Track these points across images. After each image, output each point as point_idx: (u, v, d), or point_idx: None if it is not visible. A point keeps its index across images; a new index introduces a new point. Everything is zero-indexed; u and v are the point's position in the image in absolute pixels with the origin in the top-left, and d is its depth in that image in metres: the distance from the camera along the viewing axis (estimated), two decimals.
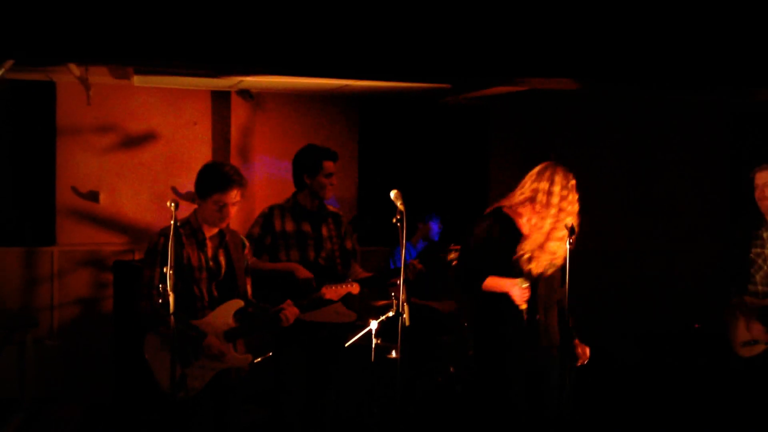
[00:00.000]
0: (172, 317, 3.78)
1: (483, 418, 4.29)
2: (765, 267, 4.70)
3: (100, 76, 6.21)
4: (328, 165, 4.85)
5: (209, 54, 4.88)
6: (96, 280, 6.84)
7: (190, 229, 4.20)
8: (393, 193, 3.86)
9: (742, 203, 4.94)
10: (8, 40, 4.53)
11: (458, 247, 4.70)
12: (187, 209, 4.27)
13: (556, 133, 7.79)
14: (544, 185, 4.07)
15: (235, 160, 7.03)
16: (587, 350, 4.26)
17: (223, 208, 4.12)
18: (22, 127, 6.69)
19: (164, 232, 4.10)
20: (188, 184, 4.38)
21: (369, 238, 7.06)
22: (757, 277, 4.72)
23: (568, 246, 3.92)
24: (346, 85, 6.55)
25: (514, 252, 4.11)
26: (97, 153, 6.83)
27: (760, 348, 4.68)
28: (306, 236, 4.85)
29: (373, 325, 4.67)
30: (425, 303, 6.20)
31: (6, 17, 4.45)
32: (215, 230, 4.24)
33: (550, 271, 4.13)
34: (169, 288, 3.76)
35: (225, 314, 4.18)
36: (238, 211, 4.29)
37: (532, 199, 4.11)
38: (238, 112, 7.21)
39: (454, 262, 4.76)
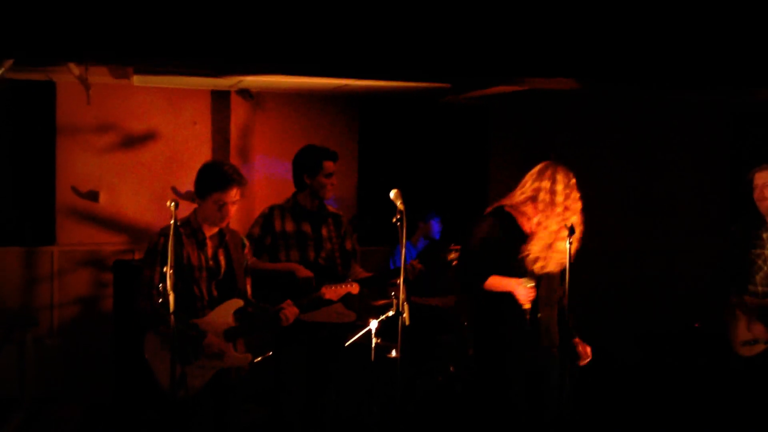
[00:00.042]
0: (172, 317, 3.78)
1: (483, 418, 4.29)
2: (765, 267, 4.70)
3: (99, 76, 6.21)
4: (328, 165, 4.85)
5: (209, 53, 4.88)
6: (96, 279, 6.84)
7: (190, 229, 4.20)
8: (393, 193, 3.86)
9: (742, 203, 4.93)
10: (8, 40, 4.52)
11: (459, 246, 4.70)
12: (187, 209, 4.27)
13: (555, 132, 7.79)
14: (545, 184, 4.07)
15: (234, 160, 7.02)
16: (588, 349, 4.25)
17: (222, 207, 4.12)
18: (22, 127, 6.69)
19: (164, 232, 4.10)
20: (188, 184, 4.38)
21: (369, 238, 7.06)
22: (757, 278, 4.72)
23: (568, 245, 3.92)
24: (346, 85, 6.55)
25: (516, 250, 4.11)
26: (97, 153, 6.83)
27: (760, 347, 4.68)
28: (306, 236, 4.85)
29: (373, 324, 4.67)
30: (425, 300, 6.19)
31: (6, 17, 4.44)
32: (215, 230, 4.24)
33: (555, 270, 4.12)
34: (169, 287, 3.76)
35: (225, 314, 4.18)
36: (238, 210, 4.30)
37: (533, 198, 4.11)
38: (238, 112, 7.20)
39: (454, 262, 4.76)
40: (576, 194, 4.09)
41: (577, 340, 4.26)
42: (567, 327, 4.13)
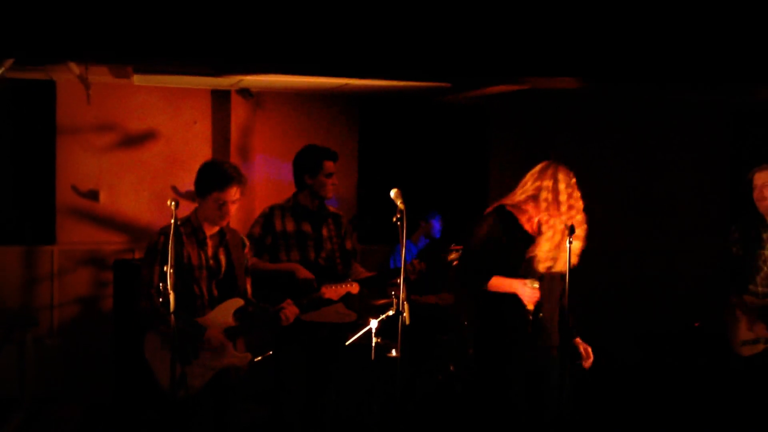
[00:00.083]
0: (172, 316, 3.78)
1: (483, 418, 4.29)
2: (765, 267, 4.70)
3: (100, 75, 6.21)
4: (329, 165, 4.85)
5: (209, 53, 4.88)
6: (96, 279, 6.83)
7: (190, 228, 4.20)
8: (393, 192, 3.86)
9: (742, 203, 4.93)
10: (8, 39, 4.52)
11: (459, 247, 4.70)
12: (187, 208, 4.27)
13: (555, 132, 7.79)
14: (547, 183, 4.07)
15: (235, 159, 7.02)
16: (589, 349, 4.26)
17: (222, 206, 4.12)
18: (22, 126, 6.69)
19: (164, 231, 4.10)
20: (188, 183, 4.38)
21: (369, 237, 7.06)
22: (758, 278, 4.71)
23: (569, 244, 3.92)
24: (346, 84, 6.55)
25: (518, 249, 4.11)
26: (97, 152, 6.83)
27: (760, 347, 4.68)
28: (306, 236, 4.85)
29: (373, 323, 4.67)
30: (425, 299, 6.19)
31: (6, 16, 4.44)
32: (216, 229, 4.24)
33: (563, 270, 4.11)
34: (169, 287, 3.76)
35: (225, 313, 4.18)
36: (238, 210, 4.30)
37: (534, 197, 4.10)
38: (238, 111, 7.20)
39: (455, 263, 4.76)
40: (577, 193, 4.09)
41: (578, 340, 4.26)
42: (567, 327, 4.13)
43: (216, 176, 4.13)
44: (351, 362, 5.13)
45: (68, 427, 5.99)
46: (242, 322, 4.21)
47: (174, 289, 3.77)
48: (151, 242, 4.18)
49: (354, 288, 4.66)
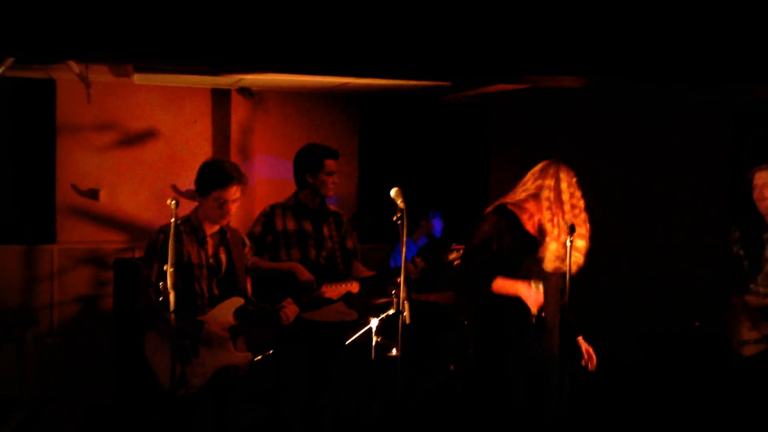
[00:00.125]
0: (172, 315, 3.78)
1: (483, 418, 4.29)
2: (765, 268, 4.70)
3: (100, 74, 6.21)
4: (330, 163, 4.86)
5: (210, 52, 4.87)
6: (96, 278, 6.83)
7: (190, 227, 4.20)
8: (393, 191, 3.86)
9: (742, 203, 4.93)
10: (8, 38, 4.52)
11: (460, 246, 4.70)
12: (187, 207, 4.27)
13: (556, 131, 7.79)
14: (549, 182, 4.06)
15: (235, 158, 7.02)
16: (590, 350, 4.26)
17: (223, 205, 4.12)
18: (22, 125, 6.68)
19: (163, 230, 4.10)
20: (188, 182, 4.38)
21: (370, 236, 7.06)
22: (758, 279, 4.71)
23: (569, 243, 3.92)
24: (347, 83, 6.55)
25: (519, 248, 4.10)
26: (97, 151, 6.83)
27: (760, 347, 4.68)
28: (307, 235, 4.85)
29: (374, 323, 4.67)
30: (424, 297, 6.19)
31: (6, 15, 4.44)
32: (216, 228, 4.24)
33: (572, 270, 4.10)
34: (169, 286, 3.76)
35: (225, 312, 4.18)
36: (239, 209, 4.29)
37: (536, 196, 4.10)
38: (239, 110, 7.20)
39: (456, 262, 4.75)
40: (578, 193, 4.10)
41: (580, 339, 4.27)
42: (568, 326, 4.13)
43: (216, 175, 4.14)
44: (351, 361, 5.14)
45: (68, 427, 5.98)
46: (242, 321, 4.21)
47: (174, 288, 3.77)
48: (150, 240, 4.18)
49: (354, 287, 4.66)
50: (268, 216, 4.85)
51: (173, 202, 3.84)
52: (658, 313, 7.70)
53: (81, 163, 6.79)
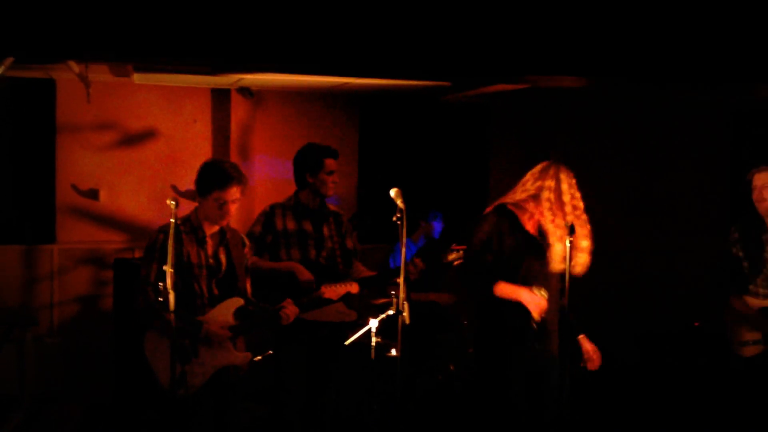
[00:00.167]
0: (172, 315, 3.77)
1: (483, 418, 4.29)
2: (765, 269, 4.70)
3: (100, 74, 6.21)
4: (330, 163, 4.86)
5: (210, 52, 4.88)
6: (96, 277, 6.83)
7: (190, 227, 4.20)
8: (393, 192, 3.86)
9: (742, 203, 4.93)
10: (8, 38, 4.52)
11: (459, 247, 4.69)
12: (187, 207, 4.27)
13: (556, 132, 7.79)
14: (549, 183, 4.06)
15: (235, 158, 7.02)
16: (591, 351, 4.26)
17: (223, 205, 4.12)
18: (22, 125, 6.68)
19: (163, 229, 4.10)
20: (188, 182, 4.38)
21: (370, 236, 7.05)
22: (758, 280, 4.71)
23: (568, 244, 3.92)
24: (347, 83, 6.55)
25: (519, 248, 4.10)
26: (97, 151, 6.83)
27: (760, 348, 4.68)
28: (307, 235, 4.85)
29: (373, 323, 4.66)
30: (424, 296, 6.19)
31: (6, 15, 4.44)
32: (216, 228, 4.24)
33: (579, 272, 4.10)
34: (169, 286, 3.75)
35: (225, 312, 4.18)
36: (239, 209, 4.29)
37: (536, 197, 4.10)
38: (238, 110, 7.20)
39: (456, 262, 4.75)
40: (578, 193, 4.10)
41: (582, 337, 4.27)
42: (567, 327, 4.12)
43: (216, 175, 4.14)
44: (351, 361, 5.13)
45: (68, 427, 5.98)
46: (242, 321, 4.21)
47: (173, 288, 3.76)
48: (150, 240, 4.18)
49: (354, 287, 4.66)
50: (268, 216, 4.85)
51: (173, 202, 3.84)
52: (658, 313, 7.70)
53: (81, 163, 6.79)
